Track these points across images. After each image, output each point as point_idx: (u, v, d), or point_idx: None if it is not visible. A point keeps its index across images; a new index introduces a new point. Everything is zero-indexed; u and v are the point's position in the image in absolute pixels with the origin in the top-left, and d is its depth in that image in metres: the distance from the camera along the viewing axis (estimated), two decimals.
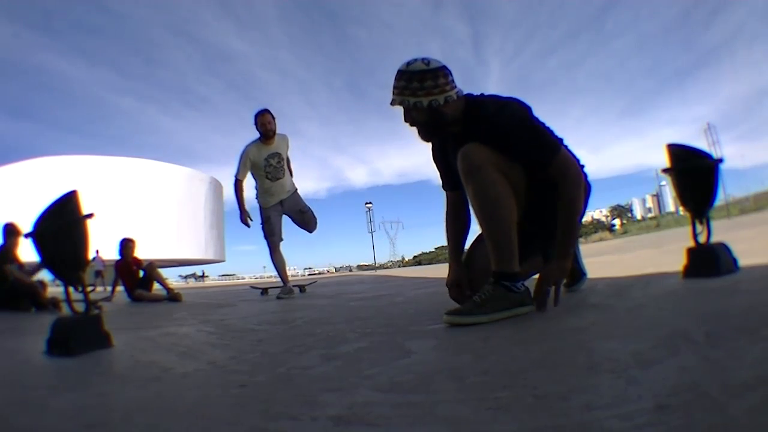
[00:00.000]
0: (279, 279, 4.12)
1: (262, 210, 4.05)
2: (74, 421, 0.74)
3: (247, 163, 3.90)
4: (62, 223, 1.50)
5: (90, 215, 1.55)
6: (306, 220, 4.19)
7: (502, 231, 1.44)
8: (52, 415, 0.79)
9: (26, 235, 1.53)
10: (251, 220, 4.02)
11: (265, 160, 3.90)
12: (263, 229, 4.01)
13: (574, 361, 0.82)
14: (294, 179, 4.28)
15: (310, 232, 4.28)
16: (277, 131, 3.97)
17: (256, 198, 4.10)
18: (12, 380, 1.15)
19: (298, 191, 4.27)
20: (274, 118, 3.90)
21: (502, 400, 0.64)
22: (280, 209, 4.08)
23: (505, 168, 1.45)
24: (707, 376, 0.65)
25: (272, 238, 3.99)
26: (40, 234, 1.51)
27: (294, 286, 5.19)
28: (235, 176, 3.93)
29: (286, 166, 4.03)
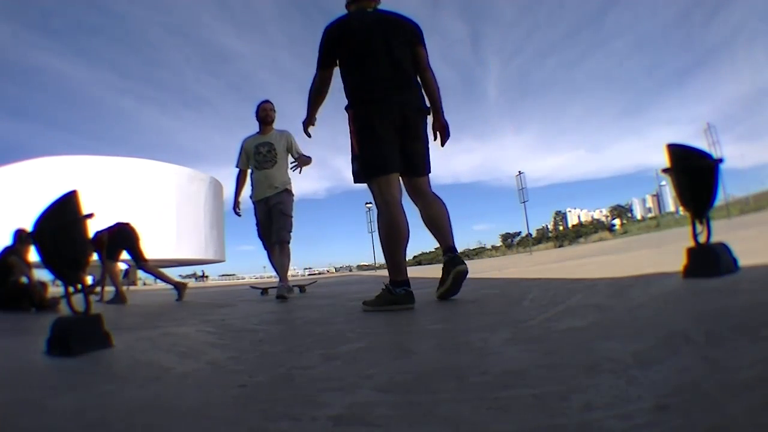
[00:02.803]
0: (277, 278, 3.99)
1: (255, 209, 3.98)
2: (74, 421, 0.74)
3: (243, 154, 3.94)
4: (62, 223, 1.50)
5: (90, 215, 1.55)
6: (279, 222, 3.80)
7: (396, 252, 2.07)
8: (52, 415, 0.79)
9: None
10: (240, 210, 4.08)
11: (256, 148, 3.87)
12: (257, 230, 3.96)
13: (574, 361, 0.82)
14: (294, 177, 4.07)
15: (278, 241, 3.80)
16: (280, 128, 4.00)
17: (250, 197, 4.01)
18: (12, 380, 1.15)
19: (293, 194, 4.00)
20: (274, 110, 3.98)
21: (502, 400, 0.64)
22: (267, 209, 3.89)
23: None
24: (707, 376, 0.65)
25: (267, 241, 3.91)
26: (40, 234, 1.51)
27: (294, 286, 5.18)
28: (236, 166, 4.00)
29: (280, 160, 3.87)
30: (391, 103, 2.12)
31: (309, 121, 2.44)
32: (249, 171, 4.04)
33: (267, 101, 4.00)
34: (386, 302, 2.00)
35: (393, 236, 2.07)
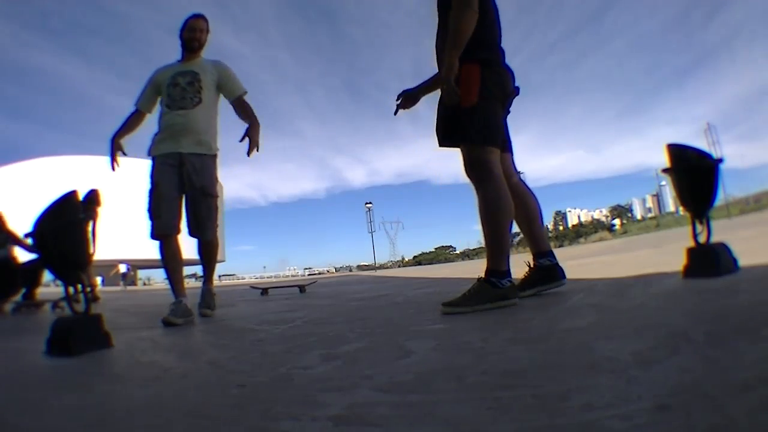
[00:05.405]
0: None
1: (153, 167, 2.46)
2: (74, 421, 0.74)
3: (150, 87, 2.54)
4: (62, 223, 1.50)
5: (89, 215, 1.55)
6: (204, 209, 2.43)
7: (498, 234, 1.73)
8: (52, 415, 0.79)
9: (26, 235, 1.53)
10: (117, 165, 2.50)
11: (171, 78, 2.46)
12: (147, 201, 2.42)
13: (574, 361, 0.82)
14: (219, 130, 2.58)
15: (198, 236, 2.46)
16: (212, 58, 2.62)
17: (148, 151, 2.51)
18: (12, 380, 1.15)
19: (217, 155, 2.53)
20: (208, 31, 2.59)
21: (502, 400, 0.64)
22: (177, 171, 2.40)
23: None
24: (707, 376, 0.65)
25: (158, 220, 2.36)
26: (40, 234, 1.51)
27: (294, 286, 5.17)
28: (134, 104, 2.58)
29: (206, 100, 2.47)
30: (511, 84, 1.91)
31: (453, 69, 1.71)
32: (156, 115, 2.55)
33: (199, 16, 2.58)
34: (493, 298, 1.63)
35: (505, 214, 1.73)
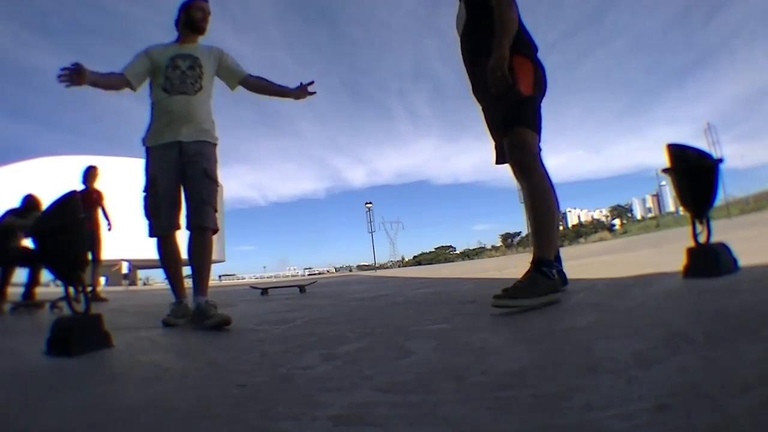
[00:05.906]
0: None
1: (147, 160, 2.28)
2: (74, 421, 0.74)
3: (143, 60, 2.27)
4: (62, 224, 1.50)
5: (89, 216, 1.55)
6: (205, 191, 2.20)
7: (547, 223, 1.72)
8: (52, 415, 0.79)
9: (26, 235, 1.53)
10: (72, 81, 1.98)
11: (171, 61, 2.25)
12: (144, 198, 2.24)
13: (574, 361, 0.82)
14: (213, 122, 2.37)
15: (198, 223, 2.19)
16: (208, 44, 2.42)
17: (143, 140, 2.30)
18: (12, 380, 1.15)
19: (217, 145, 2.36)
20: (209, 12, 2.39)
21: (502, 400, 0.64)
22: (176, 162, 2.21)
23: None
24: (707, 376, 0.65)
25: (157, 219, 2.21)
26: (40, 234, 1.51)
27: (294, 286, 5.17)
28: (121, 69, 2.24)
29: (206, 86, 2.32)
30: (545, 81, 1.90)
31: (506, 57, 1.69)
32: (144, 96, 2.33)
33: None
34: (546, 290, 1.57)
35: (554, 203, 1.74)
